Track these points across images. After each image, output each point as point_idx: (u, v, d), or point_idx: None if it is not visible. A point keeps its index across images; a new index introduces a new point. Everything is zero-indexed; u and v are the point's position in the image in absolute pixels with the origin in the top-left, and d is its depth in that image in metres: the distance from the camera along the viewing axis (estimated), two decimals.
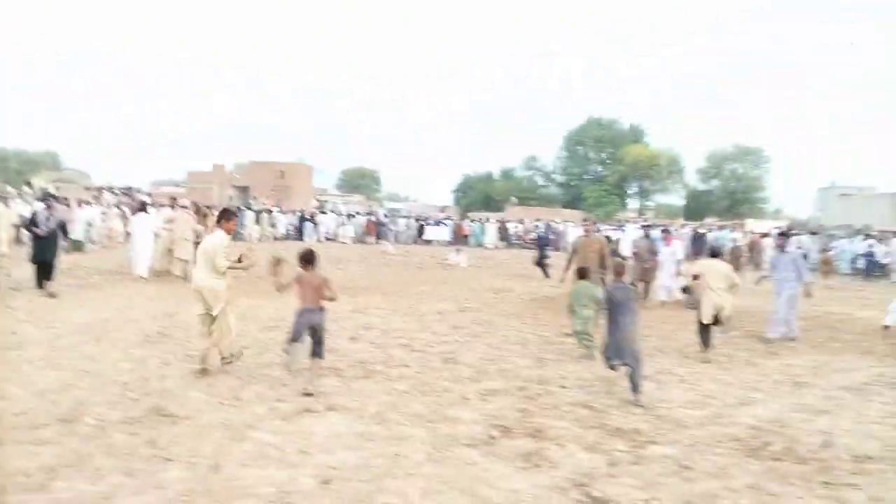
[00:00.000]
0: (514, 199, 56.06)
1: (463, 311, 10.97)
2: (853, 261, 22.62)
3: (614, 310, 6.14)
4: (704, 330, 8.17)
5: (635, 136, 57.24)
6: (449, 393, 5.88)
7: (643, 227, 15.60)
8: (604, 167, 57.35)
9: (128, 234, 13.57)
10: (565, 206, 55.13)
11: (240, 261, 6.36)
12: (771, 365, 7.76)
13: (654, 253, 12.72)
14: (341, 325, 8.96)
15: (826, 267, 20.69)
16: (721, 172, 54.36)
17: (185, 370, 6.24)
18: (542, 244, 18.23)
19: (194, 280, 6.38)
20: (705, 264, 8.76)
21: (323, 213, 34.46)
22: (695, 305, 12.59)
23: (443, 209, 46.59)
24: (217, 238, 6.34)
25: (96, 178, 45.53)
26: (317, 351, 6.12)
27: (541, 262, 16.89)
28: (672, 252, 12.75)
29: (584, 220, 10.22)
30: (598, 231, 14.71)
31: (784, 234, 11.58)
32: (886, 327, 9.92)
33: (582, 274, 7.83)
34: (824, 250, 22.87)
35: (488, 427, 4.97)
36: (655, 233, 16.51)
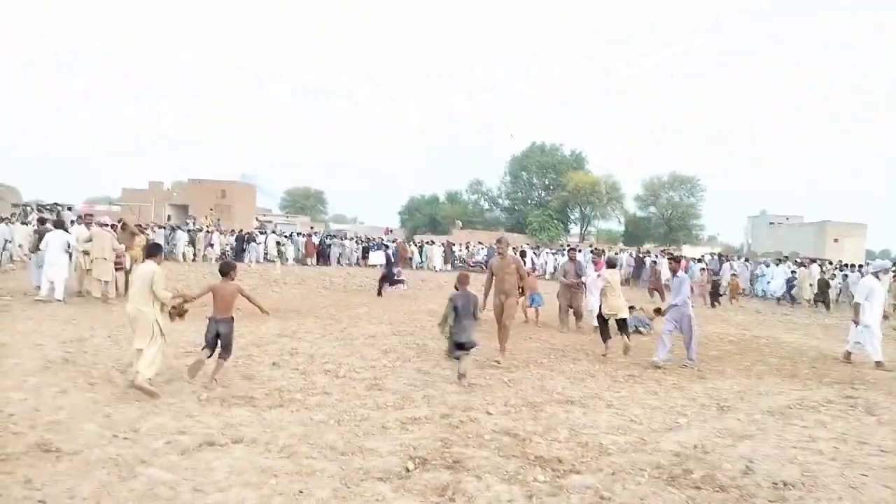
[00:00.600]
0: (458, 223, 56.27)
1: (397, 334, 10.69)
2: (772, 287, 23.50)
3: (458, 313, 7.26)
4: (603, 325, 10.06)
5: (577, 162, 58.48)
6: (368, 422, 5.59)
7: (569, 250, 15.39)
8: (547, 192, 58.28)
9: (37, 251, 12.64)
10: (510, 230, 55.63)
11: (183, 302, 6.76)
12: (698, 389, 7.78)
13: (578, 276, 12.75)
14: (265, 350, 8.57)
15: (733, 291, 21.53)
16: (658, 199, 56.02)
17: (84, 399, 5.75)
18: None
19: (128, 307, 6.37)
20: (607, 272, 10.27)
21: (262, 233, 33.58)
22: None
23: (387, 231, 46.21)
24: (150, 267, 6.41)
25: (26, 194, 43.12)
26: (223, 355, 6.73)
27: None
28: (598, 277, 12.12)
29: (498, 241, 9.57)
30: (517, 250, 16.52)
31: (674, 259, 11.94)
32: (878, 363, 9.79)
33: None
34: (751, 275, 23.67)
35: (405, 458, 4.71)
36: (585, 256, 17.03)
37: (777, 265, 24.67)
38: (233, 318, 6.77)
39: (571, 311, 12.72)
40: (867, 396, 7.73)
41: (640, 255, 29.24)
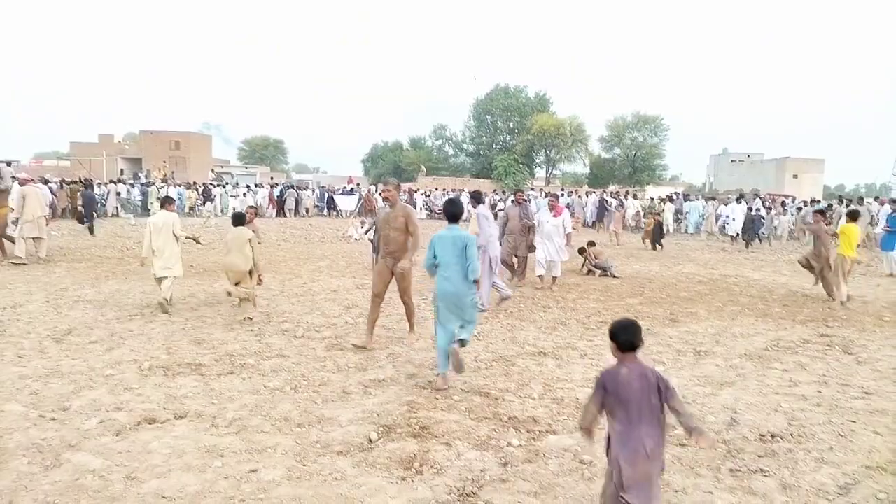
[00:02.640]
0: (423, 169, 55.26)
1: (360, 287, 10.22)
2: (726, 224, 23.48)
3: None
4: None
5: (541, 104, 57.49)
6: (327, 387, 5.16)
7: (515, 191, 12.41)
8: (512, 136, 57.40)
9: None
10: (475, 176, 54.92)
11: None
12: (672, 333, 7.55)
13: (522, 220, 10.74)
14: (217, 311, 8.03)
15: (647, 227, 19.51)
16: (622, 140, 55.72)
17: (10, 374, 5.18)
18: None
19: (157, 243, 7.94)
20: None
21: (216, 185, 32.36)
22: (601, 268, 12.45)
23: (350, 179, 45.14)
24: (171, 216, 8.17)
25: None
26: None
27: None
28: (559, 223, 10.56)
29: (385, 182, 6.49)
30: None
31: (473, 195, 9.56)
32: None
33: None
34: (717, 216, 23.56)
35: (367, 427, 4.31)
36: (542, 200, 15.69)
37: (738, 203, 24.69)
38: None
39: (516, 260, 10.94)
40: (842, 334, 7.61)
41: (604, 198, 29.04)
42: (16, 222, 11.63)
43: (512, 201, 11.71)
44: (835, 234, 10.27)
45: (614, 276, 12.31)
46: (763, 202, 27.09)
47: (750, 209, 21.56)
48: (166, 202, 8.48)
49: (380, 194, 6.62)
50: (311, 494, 3.35)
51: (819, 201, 29.11)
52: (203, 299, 8.75)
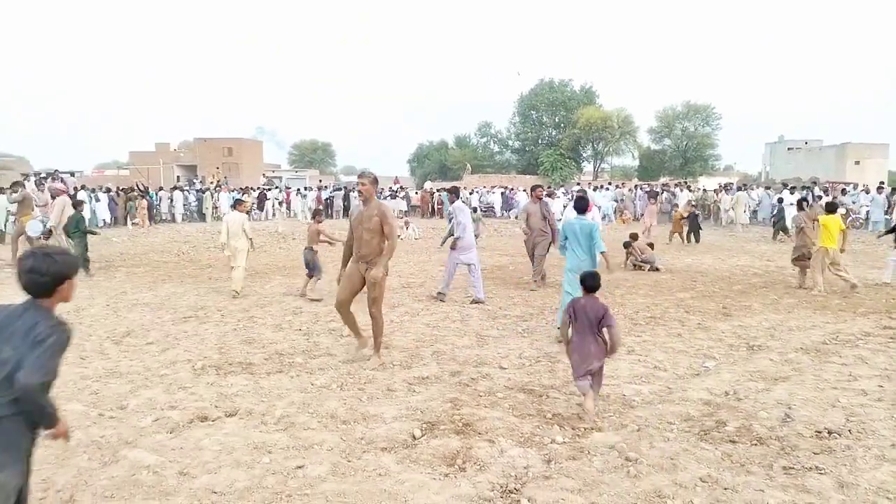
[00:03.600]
0: (468, 167, 55.23)
1: (406, 286, 10.30)
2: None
3: None
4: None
5: (587, 98, 56.61)
6: (372, 384, 5.22)
7: (533, 187, 11.15)
8: (558, 131, 56.73)
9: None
10: (521, 172, 54.56)
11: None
12: (724, 328, 7.34)
13: (545, 219, 10.11)
14: (267, 311, 8.22)
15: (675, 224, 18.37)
16: (672, 131, 54.36)
17: (73, 375, 5.43)
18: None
19: (231, 242, 9.32)
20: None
21: (269, 188, 33.13)
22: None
23: (395, 180, 45.51)
24: (240, 216, 9.52)
25: (36, 163, 42.89)
26: (310, 274, 9.48)
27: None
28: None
29: (359, 175, 5.78)
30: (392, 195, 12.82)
31: (451, 191, 9.98)
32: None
33: None
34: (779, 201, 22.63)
35: (411, 423, 4.35)
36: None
37: (791, 192, 23.67)
38: (314, 249, 9.58)
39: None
40: None
41: (651, 190, 28.43)
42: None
43: (532, 198, 10.64)
44: (815, 221, 10.17)
45: (657, 269, 12.05)
46: (825, 190, 26.07)
47: (780, 199, 20.78)
48: (237, 203, 9.96)
49: (357, 189, 5.85)
50: (356, 490, 3.40)
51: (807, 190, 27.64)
52: (255, 301, 8.97)
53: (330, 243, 9.86)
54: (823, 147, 60.99)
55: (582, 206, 7.12)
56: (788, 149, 66.57)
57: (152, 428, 4.30)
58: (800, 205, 11.34)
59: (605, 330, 4.44)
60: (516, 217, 8.84)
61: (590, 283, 4.63)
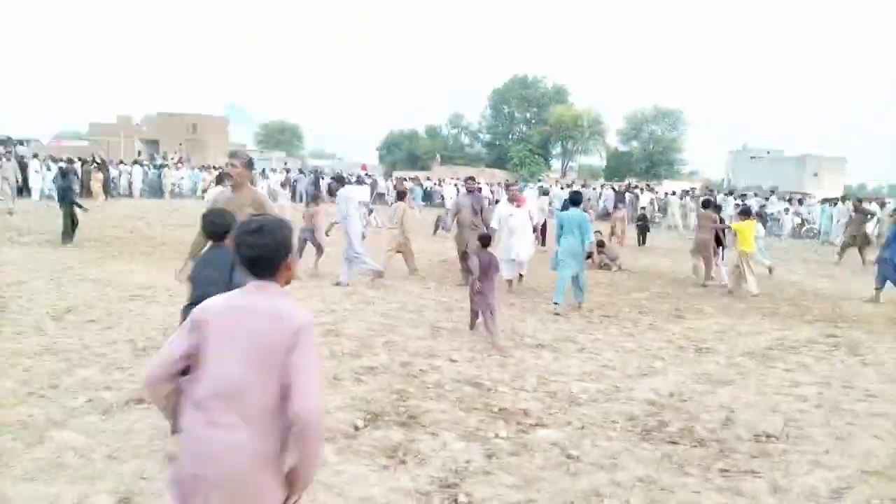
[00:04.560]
0: (438, 158, 55.08)
1: (362, 274, 10.17)
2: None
3: None
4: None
5: (559, 96, 56.99)
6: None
7: (467, 178, 10.63)
8: (528, 127, 56.99)
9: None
10: (490, 166, 54.68)
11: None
12: (675, 329, 7.44)
13: (476, 213, 9.51)
14: None
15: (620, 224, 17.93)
16: (640, 134, 55.12)
17: (4, 351, 5.20)
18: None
19: None
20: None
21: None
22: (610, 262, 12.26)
23: (363, 167, 45.09)
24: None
25: None
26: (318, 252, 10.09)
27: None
28: (522, 216, 9.34)
29: (232, 154, 4.80)
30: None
31: (336, 179, 10.61)
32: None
33: None
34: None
35: (355, 414, 4.27)
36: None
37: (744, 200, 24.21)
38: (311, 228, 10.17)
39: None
40: (850, 335, 7.45)
41: (621, 189, 28.80)
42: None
43: (467, 191, 10.13)
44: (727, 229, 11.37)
45: (620, 269, 12.18)
46: (789, 200, 26.79)
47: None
48: (221, 180, 10.35)
49: (230, 175, 4.75)
50: None
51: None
52: None
53: (318, 228, 10.25)
54: (785, 157, 62.62)
55: (576, 199, 8.71)
56: (751, 157, 68.19)
57: (84, 409, 4.14)
58: (704, 204, 11.94)
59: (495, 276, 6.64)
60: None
61: (485, 242, 6.95)
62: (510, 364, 5.65)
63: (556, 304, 7.93)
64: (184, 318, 2.92)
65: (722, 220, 11.81)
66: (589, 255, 12.08)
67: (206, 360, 1.85)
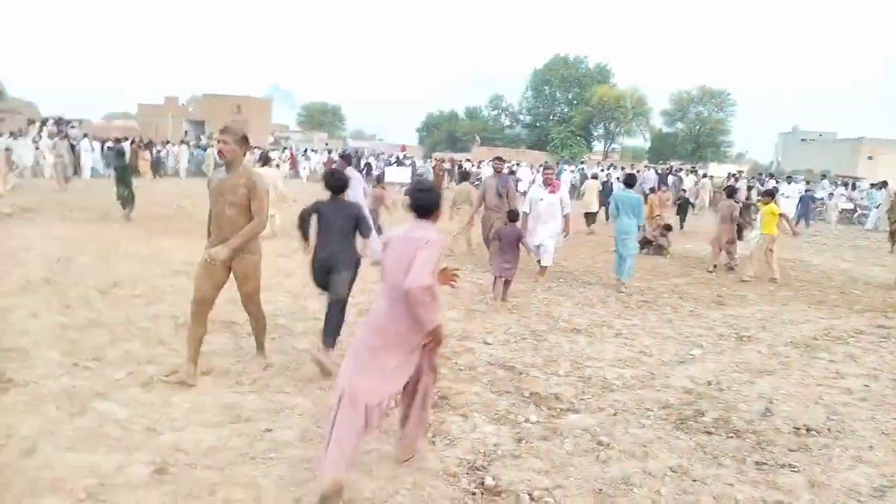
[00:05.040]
0: (478, 139, 54.79)
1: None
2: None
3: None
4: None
5: (602, 76, 55.91)
6: None
7: (495, 158, 10.23)
8: (570, 108, 56.12)
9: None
10: (531, 147, 54.13)
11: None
12: (716, 316, 7.26)
13: (501, 197, 8.98)
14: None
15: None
16: (686, 115, 53.75)
17: (53, 324, 5.40)
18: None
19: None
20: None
21: (276, 149, 32.89)
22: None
23: (403, 148, 45.13)
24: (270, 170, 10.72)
25: (45, 109, 42.63)
26: None
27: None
28: (555, 201, 8.58)
29: (223, 129, 4.24)
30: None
31: (343, 157, 10.42)
32: None
33: None
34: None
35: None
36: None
37: (788, 183, 23.31)
38: (378, 211, 9.87)
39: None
40: None
41: (664, 172, 28.16)
42: None
43: (493, 171, 9.69)
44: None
45: (671, 255, 11.98)
46: (845, 184, 25.80)
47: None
48: (267, 161, 12.15)
49: (221, 149, 4.28)
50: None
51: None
52: None
53: (387, 208, 10.41)
54: (837, 140, 60.19)
55: (630, 181, 9.16)
56: (802, 140, 65.72)
57: (126, 381, 4.27)
58: (728, 193, 11.52)
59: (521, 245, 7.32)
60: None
61: (513, 216, 7.71)
62: (544, 348, 5.61)
63: (620, 280, 8.56)
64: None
65: (749, 207, 11.38)
66: (649, 242, 11.99)
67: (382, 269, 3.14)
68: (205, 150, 28.30)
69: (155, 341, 5.11)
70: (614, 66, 61.78)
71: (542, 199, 8.58)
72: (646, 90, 57.58)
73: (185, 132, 52.61)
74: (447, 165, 31.19)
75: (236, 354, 4.94)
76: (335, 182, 4.86)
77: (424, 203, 3.14)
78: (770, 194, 10.68)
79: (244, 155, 4.35)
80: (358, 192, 9.37)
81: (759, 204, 10.98)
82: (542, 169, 10.56)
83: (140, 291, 6.71)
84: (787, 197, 20.65)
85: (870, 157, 52.77)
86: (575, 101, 55.44)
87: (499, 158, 10.17)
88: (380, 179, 11.34)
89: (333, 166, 10.01)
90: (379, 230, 10.06)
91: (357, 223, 4.77)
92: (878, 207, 20.97)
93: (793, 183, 23.25)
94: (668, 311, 7.40)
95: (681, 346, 5.98)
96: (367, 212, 5.58)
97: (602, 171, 27.68)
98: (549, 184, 8.76)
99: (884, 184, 22.20)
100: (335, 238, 4.73)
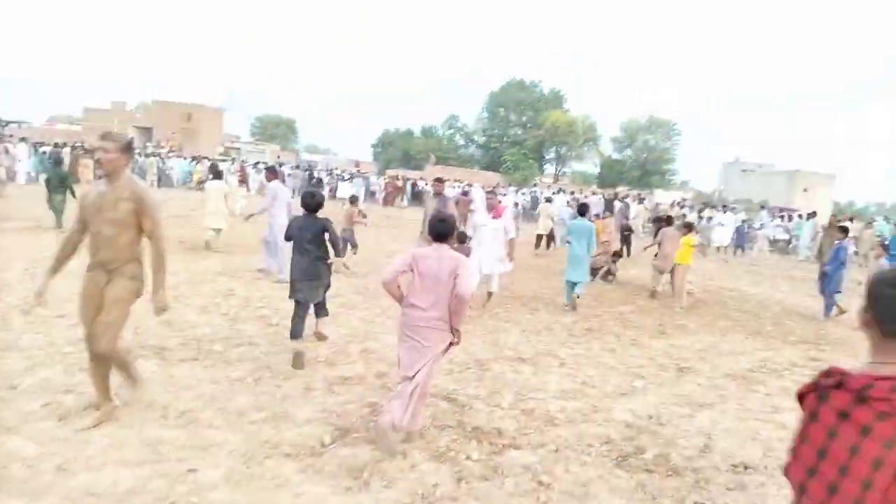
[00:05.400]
0: (433, 158, 54.97)
1: (347, 277, 10.02)
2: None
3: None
4: None
5: (555, 101, 57.12)
6: (291, 381, 4.99)
7: (435, 180, 10.00)
8: (523, 130, 57.03)
9: None
10: (485, 168, 54.63)
11: None
12: (657, 346, 7.35)
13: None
14: (197, 291, 7.86)
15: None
16: (634, 142, 55.32)
17: None
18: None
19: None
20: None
21: (224, 160, 32.16)
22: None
23: (357, 164, 44.86)
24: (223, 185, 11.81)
25: None
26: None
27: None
28: (499, 227, 8.43)
29: (105, 138, 3.67)
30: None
31: (269, 170, 10.84)
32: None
33: None
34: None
35: (323, 428, 4.14)
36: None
37: (724, 212, 24.07)
38: (352, 228, 10.88)
39: None
40: (833, 359, 7.39)
41: (610, 197, 28.76)
42: None
43: (433, 192, 9.38)
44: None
45: (610, 280, 12.13)
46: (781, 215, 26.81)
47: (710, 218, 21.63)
48: (218, 174, 12.40)
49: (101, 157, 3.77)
50: (246, 501, 3.18)
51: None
52: (186, 278, 8.57)
53: (363, 224, 11.42)
54: (775, 172, 62.88)
55: (583, 210, 9.48)
56: (742, 170, 68.41)
57: (41, 413, 3.98)
58: (666, 221, 11.92)
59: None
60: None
61: (461, 238, 7.90)
62: (488, 378, 5.53)
63: (566, 304, 9.02)
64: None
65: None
66: (597, 269, 12.03)
67: (416, 277, 3.93)
68: (146, 158, 27.47)
69: (76, 368, 4.79)
70: (567, 92, 63.25)
71: (485, 225, 8.43)
72: (597, 117, 59.04)
73: (132, 139, 50.99)
74: (399, 183, 31.10)
75: (165, 383, 4.69)
76: (313, 202, 5.64)
77: (442, 231, 4.04)
78: (689, 227, 11.13)
79: (126, 166, 3.83)
80: (281, 209, 9.13)
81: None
82: (487, 193, 10.19)
83: (66, 311, 6.33)
84: (723, 225, 21.43)
85: (805, 190, 55.29)
86: (528, 125, 56.42)
87: (438, 180, 10.01)
88: (353, 200, 11.67)
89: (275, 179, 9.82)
90: (355, 245, 10.79)
91: (325, 232, 5.51)
92: (802, 237, 22.06)
93: (728, 212, 24.04)
94: (612, 340, 7.45)
95: (623, 376, 6.01)
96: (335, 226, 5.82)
97: (553, 194, 28.13)
98: (493, 209, 8.54)
99: (812, 215, 23.22)
100: (308, 248, 5.41)
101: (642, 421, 4.86)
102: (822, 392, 1.56)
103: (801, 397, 1.66)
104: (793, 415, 5.25)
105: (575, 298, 8.91)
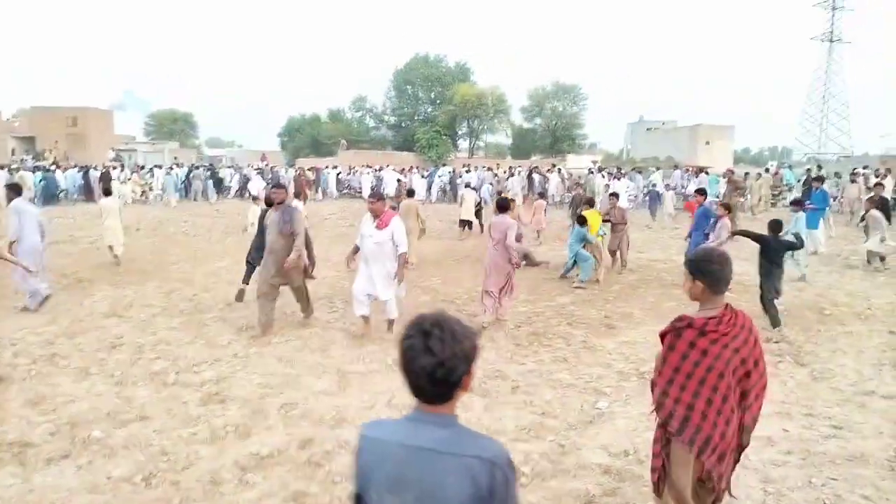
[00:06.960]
0: (344, 143, 53.13)
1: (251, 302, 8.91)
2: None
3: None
4: None
5: (462, 74, 56.29)
6: (192, 470, 3.97)
7: (272, 188, 7.54)
8: (434, 107, 55.98)
9: None
10: (398, 149, 53.40)
11: None
12: (610, 346, 6.78)
13: (288, 235, 6.80)
14: (77, 345, 6.58)
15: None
16: (543, 110, 55.45)
17: None
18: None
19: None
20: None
21: (114, 167, 29.53)
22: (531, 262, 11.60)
23: (263, 157, 42.60)
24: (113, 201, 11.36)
25: None
26: None
27: None
28: (382, 240, 6.68)
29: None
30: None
31: (10, 188, 8.57)
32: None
33: None
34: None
35: None
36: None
37: (619, 179, 23.90)
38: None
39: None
40: (787, 337, 7.06)
41: (530, 171, 28.28)
42: None
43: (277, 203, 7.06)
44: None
45: (536, 265, 11.53)
46: (696, 172, 27.12)
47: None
48: (108, 191, 12.25)
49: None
50: None
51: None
52: (66, 326, 7.23)
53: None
54: (678, 127, 65.02)
55: (503, 204, 7.75)
56: (647, 129, 70.44)
57: None
58: (590, 203, 12.01)
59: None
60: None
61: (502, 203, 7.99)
62: None
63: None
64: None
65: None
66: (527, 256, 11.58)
67: None
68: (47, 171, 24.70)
69: None
70: (473, 65, 62.68)
71: (370, 236, 6.68)
72: (505, 87, 58.80)
73: (12, 150, 46.53)
74: (311, 175, 29.52)
75: (21, 500, 3.59)
76: (274, 198, 7.01)
77: (502, 204, 7.48)
78: (590, 202, 11.59)
79: None
80: (33, 231, 7.89)
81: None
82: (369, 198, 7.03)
83: None
84: (627, 192, 21.43)
85: (707, 143, 57.44)
86: (438, 101, 55.39)
87: (278, 185, 7.55)
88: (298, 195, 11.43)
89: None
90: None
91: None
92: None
93: (624, 178, 23.95)
94: (561, 345, 6.82)
95: (583, 395, 5.36)
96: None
97: (468, 172, 27.52)
98: (377, 216, 6.72)
99: (703, 170, 23.58)
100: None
101: (619, 461, 4.20)
102: (677, 331, 2.90)
103: (663, 336, 3.01)
104: (776, 423, 4.77)
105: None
